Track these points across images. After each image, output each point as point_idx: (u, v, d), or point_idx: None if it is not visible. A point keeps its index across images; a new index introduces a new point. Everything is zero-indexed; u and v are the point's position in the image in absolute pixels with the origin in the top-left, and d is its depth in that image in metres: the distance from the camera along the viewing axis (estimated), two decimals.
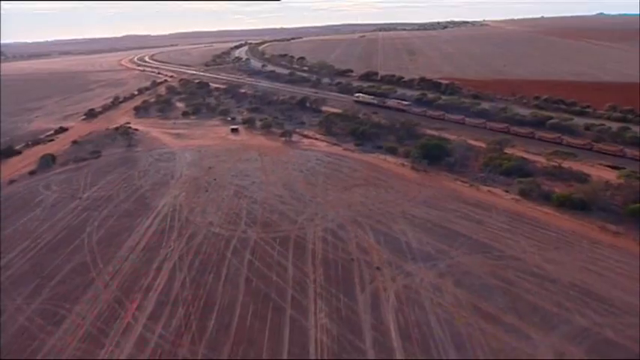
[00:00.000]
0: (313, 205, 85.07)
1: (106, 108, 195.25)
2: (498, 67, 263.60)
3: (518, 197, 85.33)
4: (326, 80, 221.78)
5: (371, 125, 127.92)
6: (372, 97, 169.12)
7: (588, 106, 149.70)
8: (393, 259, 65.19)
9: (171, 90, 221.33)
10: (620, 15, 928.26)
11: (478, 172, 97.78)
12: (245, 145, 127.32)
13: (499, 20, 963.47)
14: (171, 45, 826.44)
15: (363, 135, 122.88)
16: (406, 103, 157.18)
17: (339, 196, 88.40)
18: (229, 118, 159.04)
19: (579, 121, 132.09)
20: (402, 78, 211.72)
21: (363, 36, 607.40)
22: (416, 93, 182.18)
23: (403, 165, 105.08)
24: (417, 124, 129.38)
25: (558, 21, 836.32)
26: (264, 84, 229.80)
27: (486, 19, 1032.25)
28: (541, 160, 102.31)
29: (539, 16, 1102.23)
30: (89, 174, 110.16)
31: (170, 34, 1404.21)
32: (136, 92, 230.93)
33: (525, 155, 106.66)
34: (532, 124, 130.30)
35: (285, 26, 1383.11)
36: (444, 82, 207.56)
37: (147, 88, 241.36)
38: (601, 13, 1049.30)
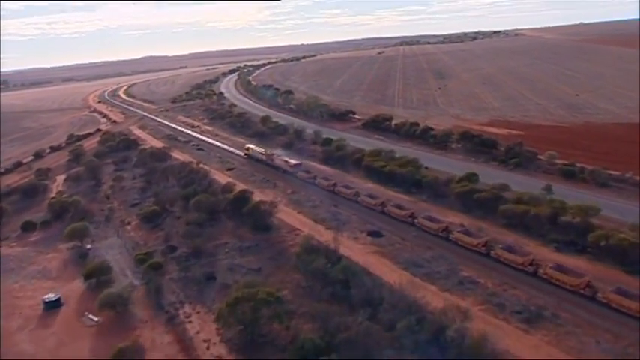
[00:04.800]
0: None
1: None
2: (568, 97, 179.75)
3: None
4: (310, 132, 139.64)
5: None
6: (262, 152, 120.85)
7: None
8: None
9: (75, 157, 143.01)
10: None
11: None
12: None
13: (535, 29, 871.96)
14: (180, 67, 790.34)
15: None
16: (294, 163, 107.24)
17: None
18: (88, 247, 78.98)
19: None
20: (430, 130, 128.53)
21: (382, 52, 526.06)
22: (456, 163, 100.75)
23: None
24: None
25: (602, 27, 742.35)
26: (219, 140, 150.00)
27: (518, 27, 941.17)
28: None
29: (577, 22, 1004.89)
30: None
31: (188, 54, 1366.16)
32: (29, 159, 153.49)
33: None
34: None
35: (306, 42, 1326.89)
36: (500, 133, 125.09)
37: (55, 149, 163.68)
38: None
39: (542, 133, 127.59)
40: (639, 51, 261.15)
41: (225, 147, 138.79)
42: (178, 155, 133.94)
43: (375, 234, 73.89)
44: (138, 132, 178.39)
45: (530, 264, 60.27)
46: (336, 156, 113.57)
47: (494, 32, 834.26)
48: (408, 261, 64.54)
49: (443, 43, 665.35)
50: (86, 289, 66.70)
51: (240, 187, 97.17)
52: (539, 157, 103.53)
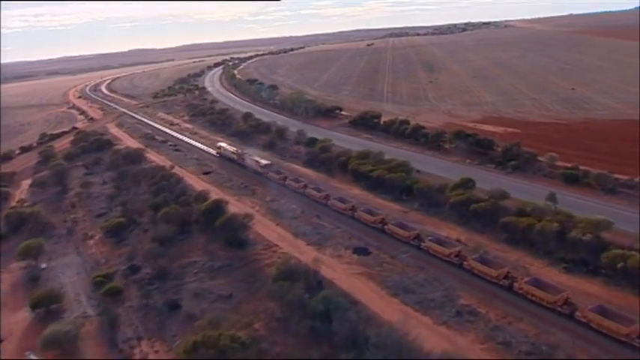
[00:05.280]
0: None
1: None
2: (564, 91, 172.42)
3: None
4: (294, 129, 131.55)
5: None
6: (234, 151, 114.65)
7: None
8: None
9: (45, 159, 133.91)
10: None
11: None
12: None
13: (525, 20, 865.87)
14: (167, 60, 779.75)
15: None
16: (264, 163, 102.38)
17: None
18: (44, 266, 71.71)
19: None
20: (421, 128, 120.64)
21: (371, 44, 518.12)
22: (450, 165, 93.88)
23: None
24: None
25: (592, 18, 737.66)
26: (197, 139, 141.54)
27: (508, 19, 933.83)
28: None
29: (566, 13, 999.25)
30: None
31: (176, 47, 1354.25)
32: None
33: None
34: None
35: (294, 34, 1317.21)
36: (495, 131, 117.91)
37: (26, 149, 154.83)
38: None
39: (539, 131, 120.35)
40: (639, 43, 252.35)
41: (204, 147, 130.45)
42: (154, 156, 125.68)
43: (361, 251, 66.18)
44: (114, 130, 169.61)
45: (506, 277, 54.55)
46: (321, 158, 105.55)
47: (484, 23, 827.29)
48: (398, 285, 56.83)
49: (432, 34, 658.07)
50: (33, 320, 58.24)
51: (215, 193, 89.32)
52: (539, 158, 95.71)
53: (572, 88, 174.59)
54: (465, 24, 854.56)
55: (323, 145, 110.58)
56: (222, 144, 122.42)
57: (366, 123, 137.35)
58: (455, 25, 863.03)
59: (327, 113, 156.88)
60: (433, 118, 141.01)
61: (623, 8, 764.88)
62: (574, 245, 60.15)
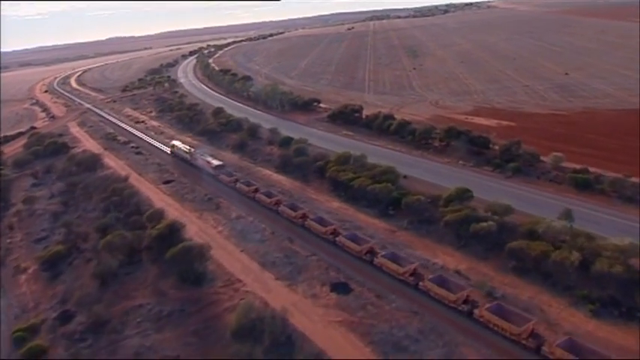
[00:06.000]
0: None
1: None
2: (557, 76, 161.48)
3: None
4: (268, 126, 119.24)
5: None
6: (187, 150, 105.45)
7: None
8: None
9: None
10: None
11: None
12: None
13: (507, 0, 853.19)
14: (145, 48, 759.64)
15: None
16: (216, 163, 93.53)
17: None
18: None
19: None
20: (407, 124, 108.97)
21: (352, 28, 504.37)
22: (441, 168, 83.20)
23: None
24: None
25: None
26: (162, 140, 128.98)
27: None
28: None
29: None
30: None
31: (156, 34, 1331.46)
32: None
33: None
34: None
35: (274, 19, 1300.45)
36: (489, 125, 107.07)
37: None
38: None
39: (537, 124, 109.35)
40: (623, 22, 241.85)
41: (168, 150, 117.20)
42: (112, 162, 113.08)
43: (340, 288, 54.70)
44: (75, 130, 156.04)
45: (465, 302, 47.13)
46: (296, 162, 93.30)
47: (466, 4, 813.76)
48: (386, 340, 45.60)
49: (414, 17, 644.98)
50: None
51: (174, 209, 77.37)
52: (542, 158, 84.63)
53: (566, 73, 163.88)
54: (447, 5, 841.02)
55: (298, 147, 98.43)
56: (176, 142, 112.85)
57: (346, 117, 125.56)
58: (437, 6, 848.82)
59: (304, 106, 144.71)
60: (419, 110, 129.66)
61: None
62: (600, 279, 48.82)
